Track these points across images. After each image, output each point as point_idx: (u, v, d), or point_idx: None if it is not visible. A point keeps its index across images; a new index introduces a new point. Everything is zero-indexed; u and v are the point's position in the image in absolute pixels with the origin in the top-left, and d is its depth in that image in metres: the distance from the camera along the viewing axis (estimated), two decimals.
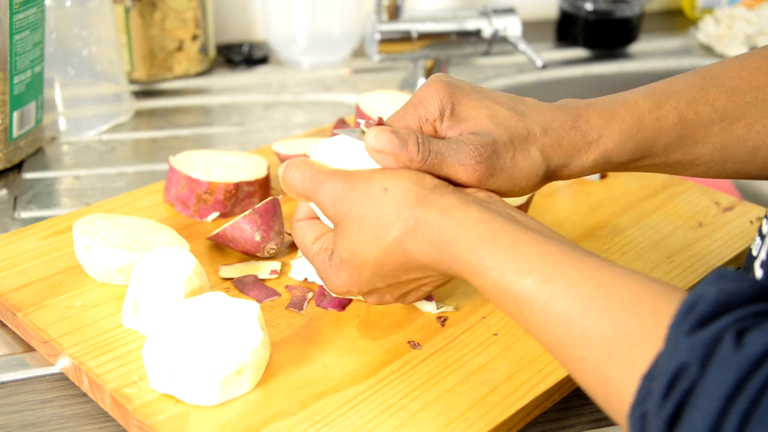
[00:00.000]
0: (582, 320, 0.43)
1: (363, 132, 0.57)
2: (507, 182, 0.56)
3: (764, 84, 0.59)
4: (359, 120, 0.60)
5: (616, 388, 0.41)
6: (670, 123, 0.58)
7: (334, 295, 0.65)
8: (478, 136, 0.55)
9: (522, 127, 0.56)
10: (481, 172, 0.54)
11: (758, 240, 0.55)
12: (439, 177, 0.55)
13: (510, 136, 0.56)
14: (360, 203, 0.53)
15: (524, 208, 0.74)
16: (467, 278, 0.50)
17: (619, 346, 0.41)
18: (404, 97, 0.90)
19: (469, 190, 0.55)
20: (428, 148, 0.54)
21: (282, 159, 0.83)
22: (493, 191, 0.56)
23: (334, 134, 0.60)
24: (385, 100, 0.89)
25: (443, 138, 0.56)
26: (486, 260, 0.48)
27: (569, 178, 0.59)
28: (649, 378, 0.39)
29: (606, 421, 0.60)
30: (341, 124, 0.91)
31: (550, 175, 0.57)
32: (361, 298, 0.61)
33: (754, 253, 0.55)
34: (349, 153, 0.57)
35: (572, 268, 0.45)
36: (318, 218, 0.60)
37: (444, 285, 0.58)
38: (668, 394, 0.37)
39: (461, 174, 0.54)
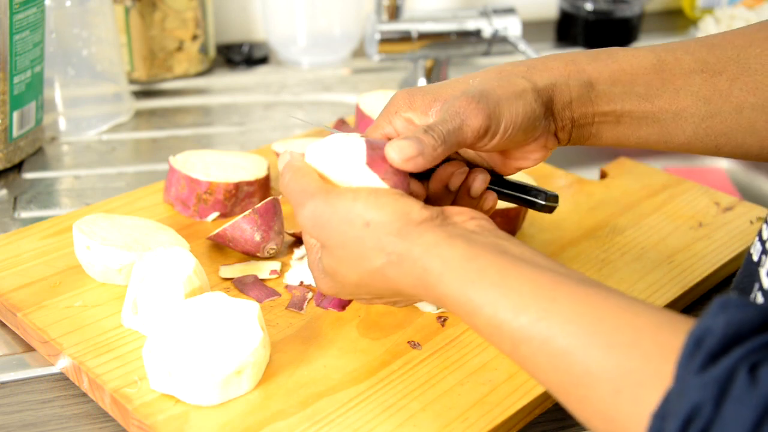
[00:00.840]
0: (583, 358, 0.42)
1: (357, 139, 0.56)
2: (507, 107, 0.55)
3: (746, 44, 0.59)
4: (334, 130, 0.59)
5: (624, 427, 0.40)
6: (648, 61, 0.59)
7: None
8: (462, 92, 0.56)
9: (495, 68, 0.58)
10: (484, 109, 0.54)
11: (758, 245, 0.54)
12: (456, 154, 0.56)
13: (488, 77, 0.57)
14: (340, 233, 0.51)
15: (524, 208, 0.74)
16: (457, 315, 0.48)
17: (625, 383, 0.40)
18: None
19: (459, 221, 0.52)
20: (438, 130, 0.53)
21: None
22: (501, 122, 0.55)
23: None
24: (385, 100, 0.89)
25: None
26: (476, 299, 0.46)
27: (564, 108, 0.58)
28: (660, 417, 0.37)
29: None
30: (341, 124, 0.91)
31: (541, 93, 0.57)
32: None
33: (755, 258, 0.54)
34: (342, 158, 0.54)
35: (568, 303, 0.44)
36: None
37: None
38: None
39: (473, 124, 0.54)
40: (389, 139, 0.58)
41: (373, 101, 0.88)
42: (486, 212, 0.60)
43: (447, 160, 0.59)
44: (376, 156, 0.53)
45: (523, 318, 0.44)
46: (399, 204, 0.51)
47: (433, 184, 0.58)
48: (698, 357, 0.37)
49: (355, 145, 0.54)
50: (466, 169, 0.58)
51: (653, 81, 0.59)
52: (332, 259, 0.53)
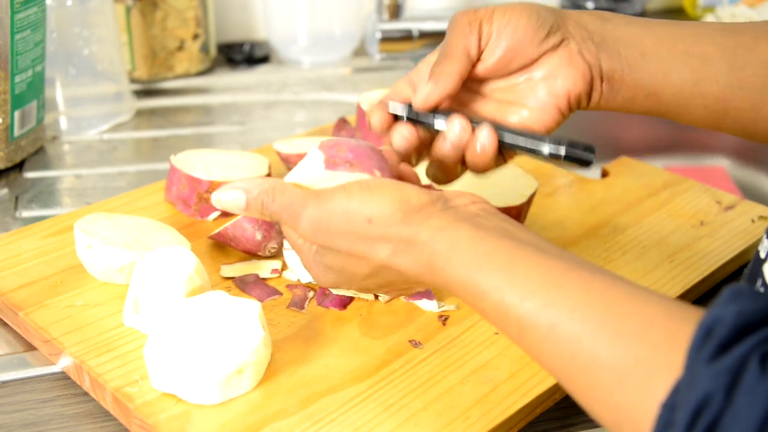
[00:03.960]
0: (591, 346, 0.41)
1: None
2: (506, 6, 0.56)
3: (763, 23, 0.60)
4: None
5: (631, 416, 0.39)
6: (661, 21, 0.59)
7: (334, 292, 0.66)
8: None
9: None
10: (473, 10, 0.56)
11: (766, 241, 0.54)
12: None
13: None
14: (343, 235, 0.50)
15: (526, 207, 0.74)
16: (463, 299, 0.48)
17: (632, 372, 0.39)
18: None
19: (461, 203, 0.51)
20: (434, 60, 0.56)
21: (283, 158, 0.83)
22: (501, 26, 0.56)
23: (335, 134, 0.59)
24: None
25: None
26: (483, 283, 0.46)
27: (576, 41, 0.57)
28: (669, 407, 0.37)
29: None
30: (342, 123, 0.91)
31: (553, 24, 0.57)
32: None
33: (762, 255, 0.54)
34: (306, 167, 0.55)
35: (576, 290, 0.43)
36: None
37: None
38: (693, 425, 0.35)
39: (460, 20, 0.56)
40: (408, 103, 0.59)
41: (374, 100, 0.88)
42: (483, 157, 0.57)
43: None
44: (334, 155, 0.54)
45: (530, 304, 0.44)
46: (396, 193, 0.50)
47: (434, 150, 0.58)
48: (709, 346, 0.36)
49: (312, 153, 0.54)
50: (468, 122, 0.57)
51: (671, 27, 0.59)
52: (339, 258, 0.52)
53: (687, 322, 0.39)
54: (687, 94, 0.59)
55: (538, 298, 0.44)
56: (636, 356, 0.40)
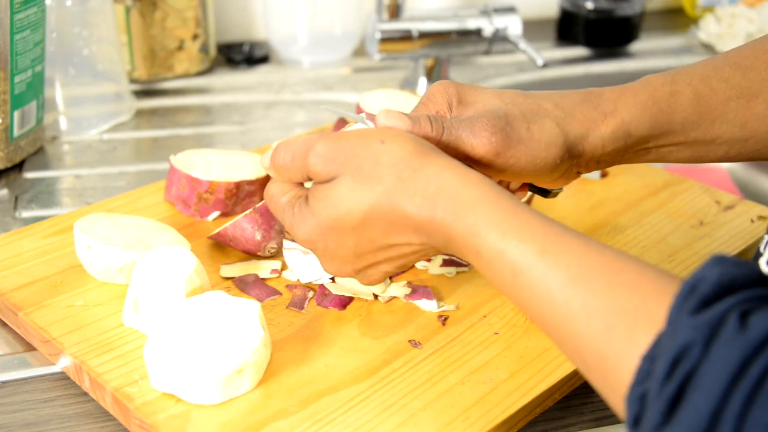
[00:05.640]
0: (583, 293, 0.43)
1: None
2: (526, 154, 0.55)
3: None
4: (362, 114, 0.59)
5: (615, 365, 0.41)
6: (686, 98, 0.58)
7: (332, 289, 0.66)
8: (489, 111, 0.55)
9: (531, 103, 0.57)
10: (497, 143, 0.54)
11: (766, 237, 0.55)
12: (456, 156, 0.54)
13: (521, 110, 0.56)
14: (354, 156, 0.51)
15: None
16: (456, 241, 0.48)
17: (619, 322, 0.41)
18: (405, 95, 0.90)
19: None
20: (441, 124, 0.54)
21: None
22: (513, 165, 0.55)
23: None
24: (385, 99, 0.89)
25: None
26: (486, 220, 0.47)
27: (594, 158, 0.58)
28: (650, 358, 0.38)
29: (606, 419, 0.60)
30: (342, 123, 0.91)
31: (571, 147, 0.56)
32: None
33: (762, 250, 0.55)
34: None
35: (573, 242, 0.45)
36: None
37: (412, 266, 0.55)
38: (671, 374, 0.36)
39: (477, 147, 0.54)
40: None
41: (374, 100, 0.88)
42: None
43: None
44: None
45: (528, 246, 0.45)
46: (412, 135, 0.52)
47: None
48: (691, 301, 0.38)
49: (361, 124, 0.55)
50: None
51: (690, 117, 0.59)
52: (338, 195, 0.51)
53: (674, 283, 0.41)
54: (683, 162, 0.62)
55: (537, 242, 0.45)
56: (624, 307, 0.41)
